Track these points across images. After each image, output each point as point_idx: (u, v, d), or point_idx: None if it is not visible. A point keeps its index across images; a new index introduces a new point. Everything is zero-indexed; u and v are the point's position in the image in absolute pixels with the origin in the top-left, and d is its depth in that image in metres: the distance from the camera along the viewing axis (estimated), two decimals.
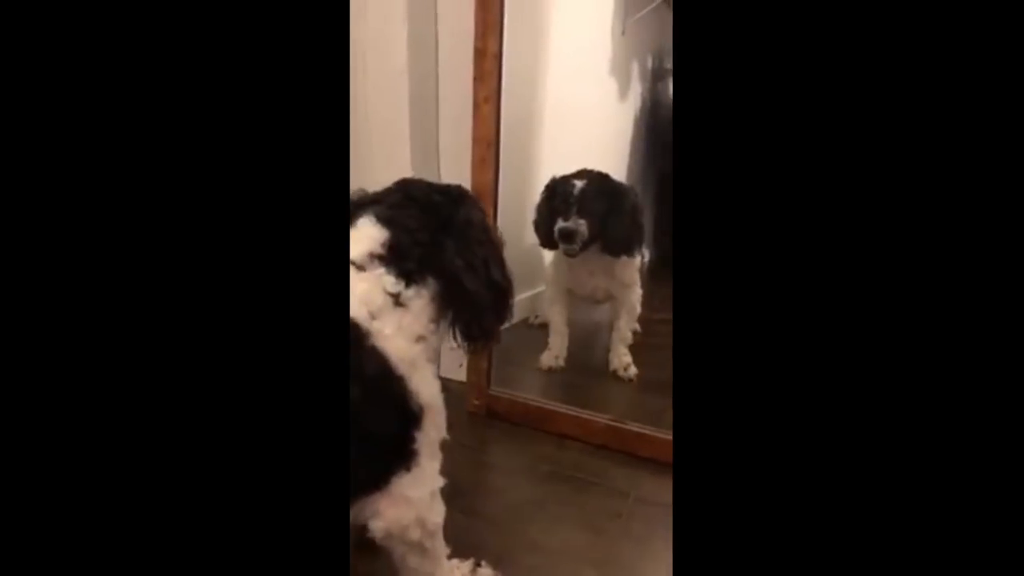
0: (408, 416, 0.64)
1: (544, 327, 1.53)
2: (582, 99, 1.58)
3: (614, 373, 1.41)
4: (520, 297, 1.70)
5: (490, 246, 0.73)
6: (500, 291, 0.72)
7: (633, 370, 1.40)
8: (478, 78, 1.14)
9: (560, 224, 1.31)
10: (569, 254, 1.35)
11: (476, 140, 1.16)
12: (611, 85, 1.59)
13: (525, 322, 1.66)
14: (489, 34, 1.12)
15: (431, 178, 1.36)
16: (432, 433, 0.67)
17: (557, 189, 1.36)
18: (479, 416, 1.27)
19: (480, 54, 1.13)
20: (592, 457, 1.13)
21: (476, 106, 1.15)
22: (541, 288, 1.62)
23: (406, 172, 1.31)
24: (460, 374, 1.32)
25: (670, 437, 1.09)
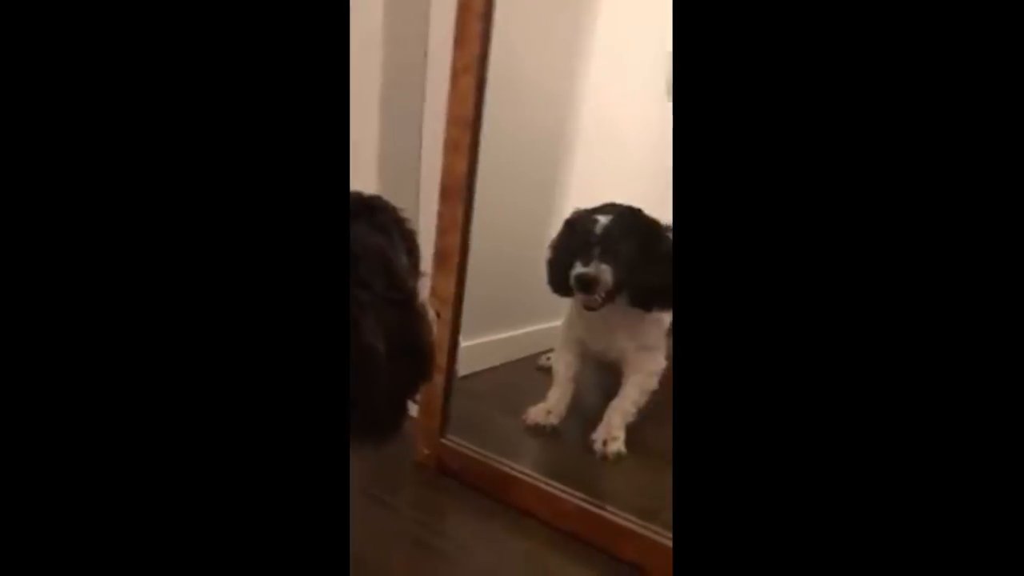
0: None
1: (549, 373, 1.24)
2: (624, 112, 1.30)
3: (591, 444, 1.06)
4: (537, 328, 1.43)
5: (387, 293, 0.47)
6: (368, 363, 0.45)
7: (616, 448, 1.05)
8: (459, 41, 0.89)
9: (578, 269, 1.03)
10: (589, 307, 1.06)
11: (450, 120, 0.91)
12: (665, 107, 1.26)
13: (534, 359, 1.38)
14: None
15: (408, 167, 1.12)
16: None
17: (577, 225, 1.09)
18: (427, 470, 1.01)
19: (464, 9, 0.88)
20: (554, 548, 0.85)
21: (454, 76, 0.90)
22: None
23: (371, 157, 1.08)
24: (413, 411, 1.07)
25: (662, 540, 0.80)
